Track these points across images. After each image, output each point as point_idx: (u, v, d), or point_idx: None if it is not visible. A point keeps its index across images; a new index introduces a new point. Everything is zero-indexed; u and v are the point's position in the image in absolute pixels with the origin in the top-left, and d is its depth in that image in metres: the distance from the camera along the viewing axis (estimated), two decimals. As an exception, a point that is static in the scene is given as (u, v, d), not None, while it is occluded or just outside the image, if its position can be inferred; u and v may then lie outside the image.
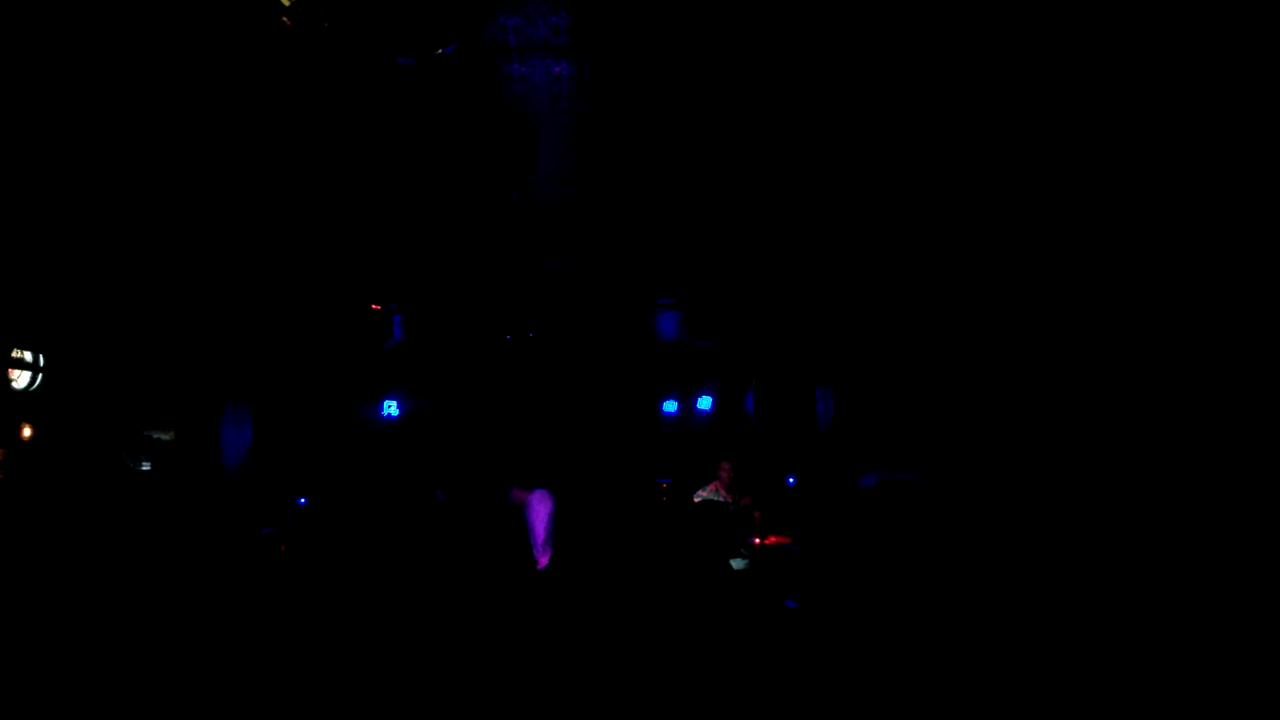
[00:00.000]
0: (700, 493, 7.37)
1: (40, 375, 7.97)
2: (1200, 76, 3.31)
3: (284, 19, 1.90)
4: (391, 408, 10.10)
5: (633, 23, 3.30)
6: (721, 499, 7.43)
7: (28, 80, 3.52)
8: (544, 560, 6.50)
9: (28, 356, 8.31)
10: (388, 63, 2.17)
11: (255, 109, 3.89)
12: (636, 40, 3.43)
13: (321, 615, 3.30)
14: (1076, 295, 4.83)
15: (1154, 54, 3.31)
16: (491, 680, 2.71)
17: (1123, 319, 4.31)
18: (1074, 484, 4.64)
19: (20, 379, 8.45)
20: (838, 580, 3.50)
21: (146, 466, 7.72)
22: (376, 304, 7.59)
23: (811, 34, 3.44)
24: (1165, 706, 3.22)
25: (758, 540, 6.31)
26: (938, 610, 3.25)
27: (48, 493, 6.75)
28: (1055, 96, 3.81)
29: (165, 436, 8.38)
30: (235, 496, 7.67)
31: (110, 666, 3.66)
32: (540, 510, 6.67)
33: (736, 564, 6.79)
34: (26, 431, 8.44)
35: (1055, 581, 4.04)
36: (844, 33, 3.43)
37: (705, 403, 10.71)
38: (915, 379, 6.86)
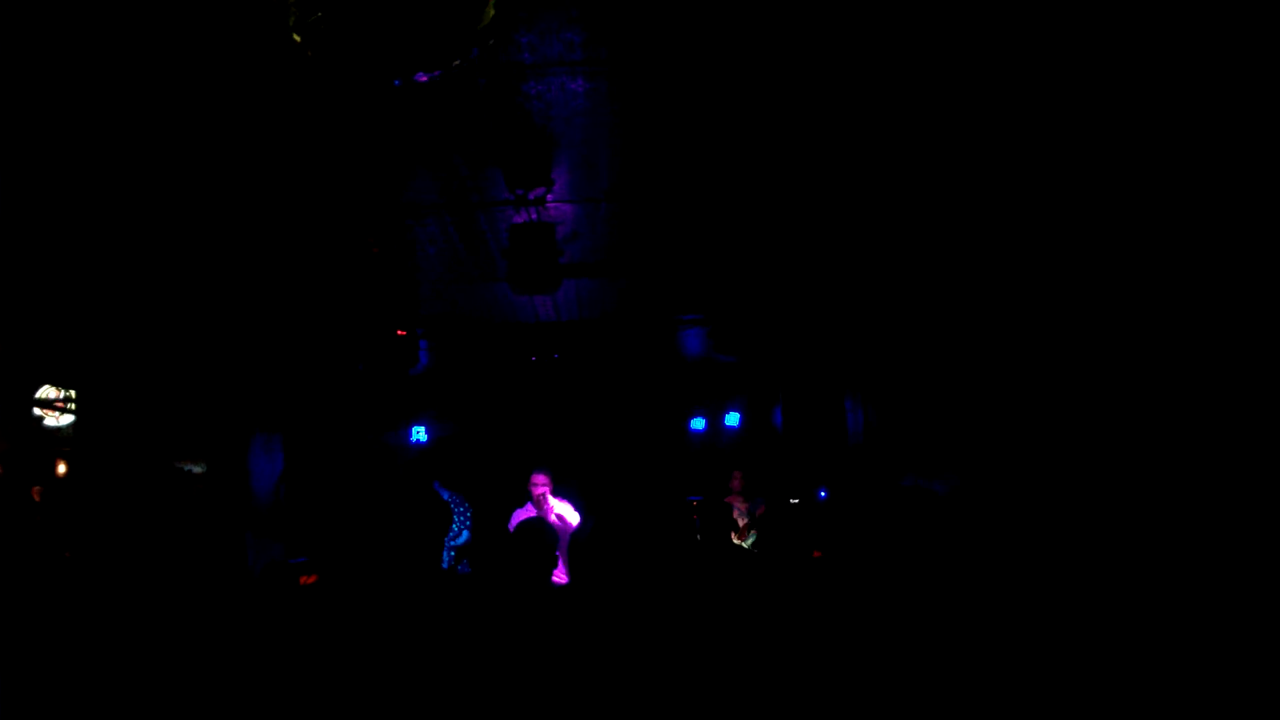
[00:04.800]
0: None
1: (72, 413, 8.07)
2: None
3: (294, 36, 1.90)
4: (420, 433, 10.14)
5: (651, 36, 3.28)
6: (737, 511, 7.40)
7: (52, 116, 3.57)
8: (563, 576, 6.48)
9: (59, 393, 8.42)
10: (403, 80, 2.17)
11: (271, 138, 3.92)
12: (655, 53, 3.41)
13: (352, 644, 3.25)
14: (1113, 305, 4.75)
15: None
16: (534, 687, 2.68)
17: (1168, 333, 4.21)
18: (1115, 495, 4.54)
19: (53, 417, 8.57)
20: (868, 593, 3.42)
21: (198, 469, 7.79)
22: (402, 330, 7.62)
23: (839, 47, 3.40)
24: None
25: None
26: (970, 622, 3.16)
27: (82, 526, 6.80)
28: (1099, 110, 3.76)
29: (197, 469, 8.44)
30: (266, 524, 7.70)
31: (137, 698, 3.65)
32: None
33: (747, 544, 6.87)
34: (60, 468, 8.55)
35: (1091, 598, 3.95)
36: (873, 48, 3.39)
37: (733, 419, 10.66)
38: (948, 388, 6.77)
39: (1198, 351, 3.94)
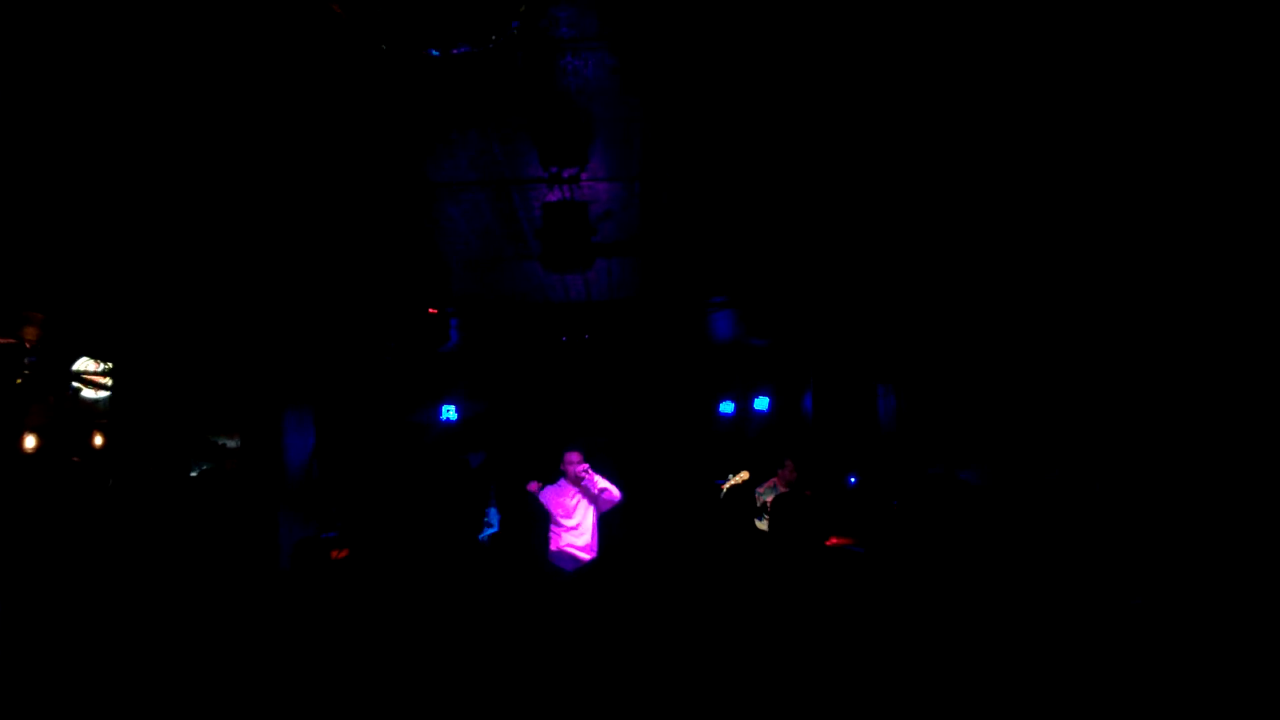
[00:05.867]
0: (759, 490, 7.29)
1: (110, 385, 8.19)
2: None
3: (335, 6, 1.87)
4: (450, 412, 10.19)
5: (687, 11, 3.23)
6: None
7: (92, 103, 3.59)
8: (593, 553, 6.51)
9: (98, 366, 8.55)
10: (441, 52, 2.14)
11: (307, 114, 3.91)
12: (688, 29, 3.36)
13: (383, 620, 3.27)
14: (1152, 288, 4.64)
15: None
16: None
17: (1205, 317, 4.11)
18: (1145, 486, 4.45)
19: (91, 389, 8.70)
20: (900, 582, 3.39)
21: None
22: (433, 308, 7.64)
23: (878, 22, 3.33)
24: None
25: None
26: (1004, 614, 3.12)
27: (118, 498, 6.91)
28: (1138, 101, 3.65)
29: (231, 442, 8.55)
30: (297, 500, 7.78)
31: (164, 670, 3.70)
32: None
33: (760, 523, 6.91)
34: (98, 440, 8.69)
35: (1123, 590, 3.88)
36: (916, 19, 3.31)
37: (762, 403, 10.58)
38: (982, 376, 6.68)
39: (1233, 339, 3.85)
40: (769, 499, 7.27)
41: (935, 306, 7.02)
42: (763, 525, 7.27)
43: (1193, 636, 3.43)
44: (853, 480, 8.56)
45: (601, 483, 6.73)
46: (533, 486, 6.75)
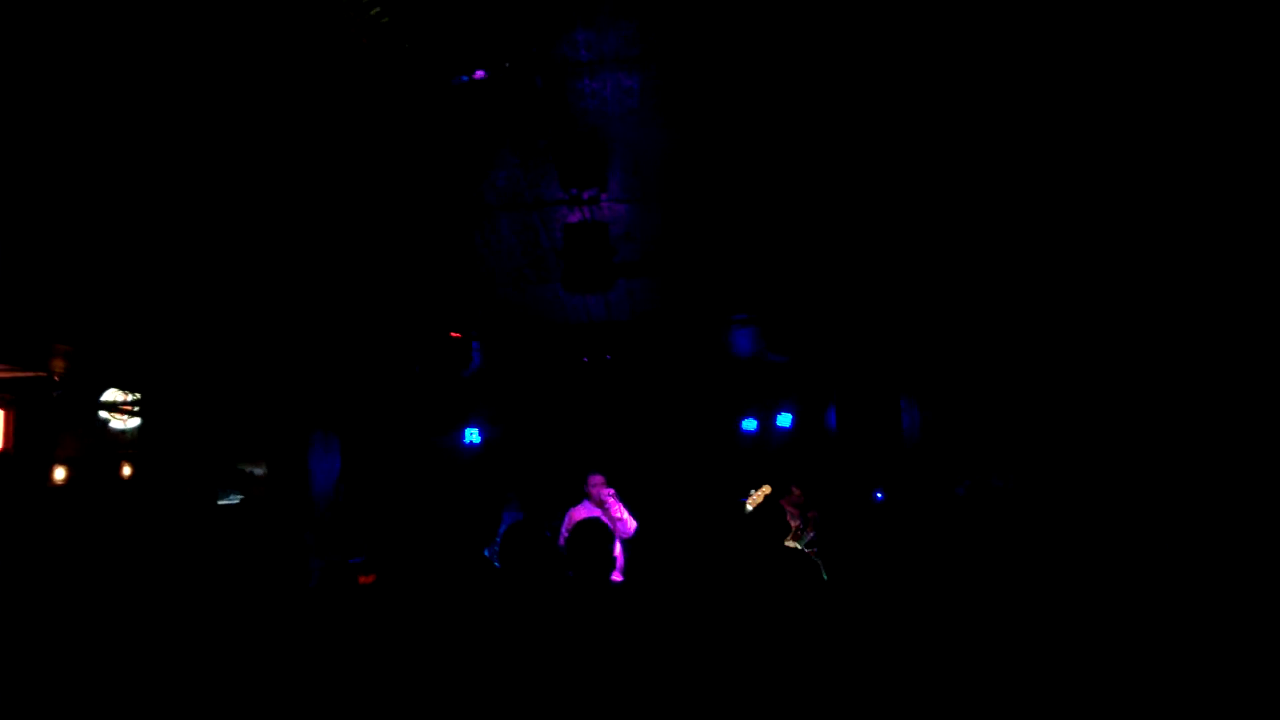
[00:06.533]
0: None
1: (138, 415, 8.27)
2: None
3: (362, 39, 1.90)
4: (473, 435, 10.21)
5: (706, 32, 3.25)
6: (790, 514, 7.39)
7: (110, 128, 3.65)
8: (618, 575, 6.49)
9: (125, 396, 8.64)
10: (462, 78, 2.16)
11: (329, 143, 3.96)
12: (710, 50, 3.38)
13: (413, 645, 3.27)
14: (1172, 298, 4.60)
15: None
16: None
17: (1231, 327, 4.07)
18: (1174, 488, 4.40)
19: (119, 419, 8.79)
20: (929, 595, 3.36)
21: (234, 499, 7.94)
22: (456, 332, 7.68)
23: (899, 42, 3.34)
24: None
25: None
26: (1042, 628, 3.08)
27: (146, 527, 6.96)
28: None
29: (258, 470, 8.60)
30: (325, 525, 7.81)
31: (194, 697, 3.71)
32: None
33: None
34: (126, 470, 8.77)
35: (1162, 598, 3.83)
36: (939, 40, 3.32)
37: (785, 419, 10.53)
38: (1005, 384, 6.63)
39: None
40: (789, 519, 7.31)
41: (957, 319, 6.98)
42: (791, 543, 7.25)
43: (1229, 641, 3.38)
44: (879, 496, 8.50)
45: (620, 512, 6.70)
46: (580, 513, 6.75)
